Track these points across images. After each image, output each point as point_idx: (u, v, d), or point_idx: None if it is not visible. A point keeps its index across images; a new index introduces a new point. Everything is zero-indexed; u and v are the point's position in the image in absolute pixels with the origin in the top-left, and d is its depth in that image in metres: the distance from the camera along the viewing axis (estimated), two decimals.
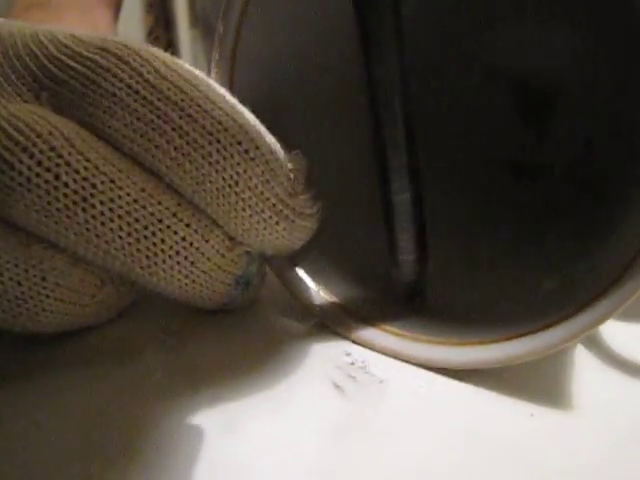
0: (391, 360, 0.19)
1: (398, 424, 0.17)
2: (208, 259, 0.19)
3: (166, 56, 0.19)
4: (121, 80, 0.18)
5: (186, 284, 0.19)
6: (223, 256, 0.19)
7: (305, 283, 0.20)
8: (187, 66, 0.19)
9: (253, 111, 0.19)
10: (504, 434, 0.16)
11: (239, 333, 0.21)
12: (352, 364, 0.19)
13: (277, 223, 0.19)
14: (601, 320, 0.16)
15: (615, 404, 0.18)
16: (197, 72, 0.19)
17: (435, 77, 0.28)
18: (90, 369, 0.19)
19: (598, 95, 0.26)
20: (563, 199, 0.24)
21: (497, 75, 0.29)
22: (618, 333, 0.21)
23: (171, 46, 1.70)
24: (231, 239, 0.19)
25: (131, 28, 1.62)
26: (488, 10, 0.26)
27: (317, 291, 0.20)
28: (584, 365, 0.19)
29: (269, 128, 0.19)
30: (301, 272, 0.21)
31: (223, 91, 0.19)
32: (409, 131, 0.18)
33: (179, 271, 0.19)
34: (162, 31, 1.69)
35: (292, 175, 0.19)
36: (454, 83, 0.28)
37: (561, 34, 0.27)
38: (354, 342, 0.20)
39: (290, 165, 0.19)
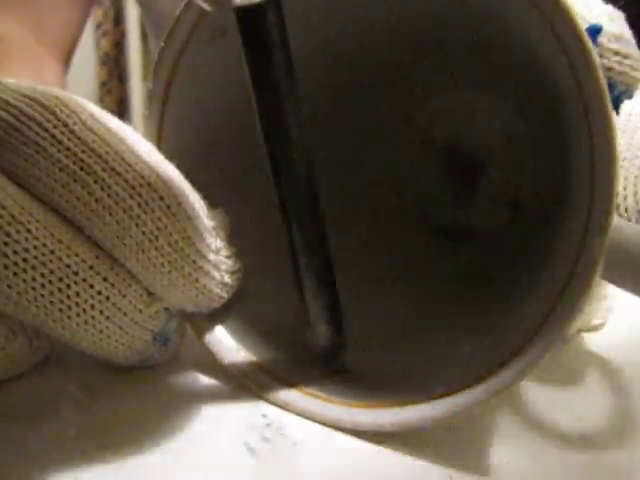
0: (308, 422, 0.19)
1: None
2: (125, 314, 0.19)
3: (95, 109, 0.19)
4: (46, 130, 0.18)
5: (100, 339, 0.19)
6: (140, 312, 0.19)
7: (225, 343, 0.20)
8: (115, 120, 0.20)
9: (179, 167, 0.20)
10: None
11: (155, 392, 0.20)
12: (268, 426, 0.19)
13: (197, 280, 0.19)
14: (515, 381, 0.16)
15: (530, 471, 0.18)
16: (125, 126, 0.20)
17: (368, 141, 0.29)
18: None
19: (522, 161, 0.27)
20: (485, 265, 0.24)
21: (429, 139, 0.30)
22: (540, 398, 0.21)
23: (124, 99, 1.71)
24: (150, 294, 0.19)
25: (84, 80, 1.63)
26: (419, 80, 0.27)
27: (237, 351, 0.20)
28: (505, 429, 0.20)
29: (194, 185, 0.20)
30: (221, 331, 0.20)
31: (149, 146, 0.19)
32: (312, 200, 0.18)
33: (93, 325, 0.18)
34: (115, 84, 1.70)
35: (214, 232, 0.19)
36: (387, 147, 0.29)
37: (487, 104, 0.28)
38: (272, 403, 0.19)
39: (212, 222, 0.19)
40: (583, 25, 0.20)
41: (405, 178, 0.29)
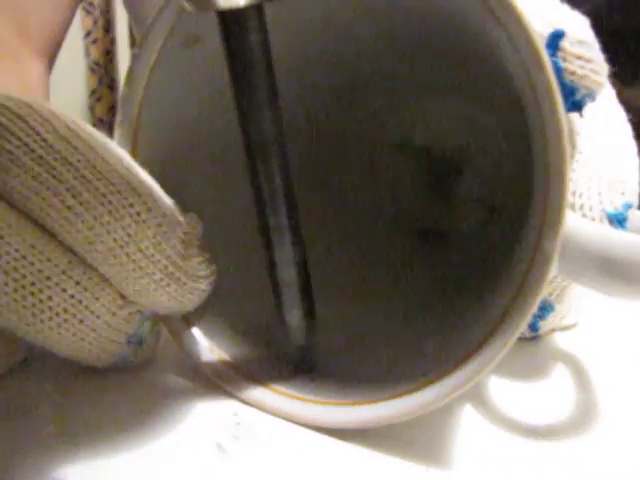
0: (279, 421, 0.19)
1: None
2: (98, 317, 0.19)
3: (68, 117, 0.20)
4: (18, 138, 0.19)
5: (74, 342, 0.19)
6: (114, 314, 0.19)
7: (198, 341, 0.20)
8: (89, 128, 0.20)
9: (154, 172, 0.20)
10: None
11: (129, 391, 0.21)
12: (239, 424, 0.19)
13: (168, 285, 0.19)
14: (476, 376, 0.17)
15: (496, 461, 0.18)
16: (98, 134, 0.20)
17: (345, 145, 0.29)
18: None
19: (497, 165, 0.28)
20: (456, 265, 0.25)
21: (405, 144, 0.30)
22: (503, 392, 0.22)
23: (115, 107, 1.71)
24: (123, 297, 0.20)
25: (75, 88, 1.63)
26: (391, 86, 0.27)
27: (210, 350, 0.20)
28: (470, 424, 0.20)
29: (170, 187, 0.20)
30: (194, 331, 0.21)
31: (121, 153, 0.20)
32: (288, 191, 0.18)
33: (67, 329, 0.19)
34: (106, 91, 1.70)
35: (185, 238, 0.19)
36: (363, 151, 0.30)
37: (463, 109, 0.29)
38: (243, 402, 0.20)
39: (184, 228, 0.19)
40: (547, 30, 0.21)
41: (381, 181, 0.30)
